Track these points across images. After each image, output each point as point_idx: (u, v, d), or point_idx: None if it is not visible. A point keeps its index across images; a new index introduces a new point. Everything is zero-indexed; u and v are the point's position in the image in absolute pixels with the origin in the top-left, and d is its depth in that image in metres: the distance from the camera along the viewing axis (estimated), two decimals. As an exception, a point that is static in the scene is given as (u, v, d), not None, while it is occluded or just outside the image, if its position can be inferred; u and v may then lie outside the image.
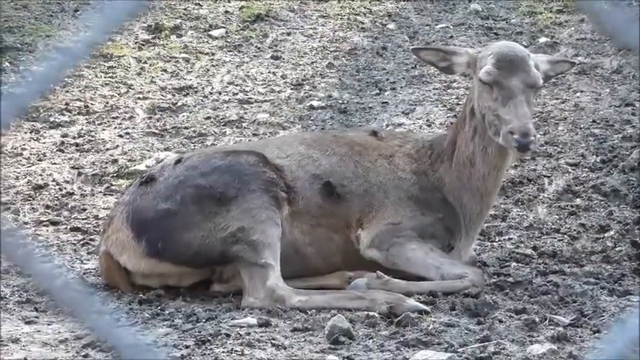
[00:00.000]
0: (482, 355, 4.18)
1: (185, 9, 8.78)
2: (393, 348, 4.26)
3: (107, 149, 6.40)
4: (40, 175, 6.04)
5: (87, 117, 6.86)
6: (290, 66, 7.91)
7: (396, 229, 4.97)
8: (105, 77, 7.40)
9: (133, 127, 6.75)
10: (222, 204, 4.82)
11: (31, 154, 6.27)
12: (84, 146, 6.43)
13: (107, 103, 7.11)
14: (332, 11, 9.18)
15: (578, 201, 5.88)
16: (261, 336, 4.37)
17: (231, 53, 8.11)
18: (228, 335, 4.35)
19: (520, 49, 4.97)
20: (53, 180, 5.98)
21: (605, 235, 5.49)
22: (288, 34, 8.56)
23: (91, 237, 5.32)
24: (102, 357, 4.19)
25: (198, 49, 8.14)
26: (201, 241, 4.78)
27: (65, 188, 5.92)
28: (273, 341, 4.33)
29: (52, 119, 6.58)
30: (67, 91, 7.11)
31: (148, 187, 4.98)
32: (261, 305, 4.64)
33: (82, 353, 4.22)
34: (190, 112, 6.96)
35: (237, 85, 7.46)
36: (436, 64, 5.03)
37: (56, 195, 5.81)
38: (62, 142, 6.43)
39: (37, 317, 4.63)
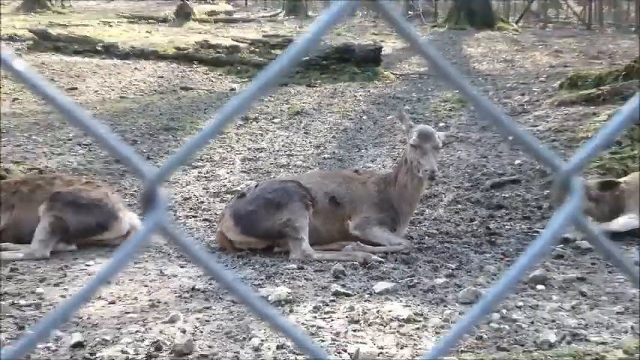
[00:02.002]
0: (409, 284, 4.16)
1: (259, 108, 8.71)
2: (366, 280, 4.25)
3: (221, 179, 6.37)
4: (187, 193, 6.04)
5: (211, 163, 6.83)
6: (313, 137, 7.87)
7: (367, 220, 4.96)
8: (219, 142, 7.35)
9: (234, 168, 6.73)
10: (278, 207, 4.78)
11: (182, 181, 6.28)
12: (209, 178, 6.41)
13: (221, 156, 7.05)
14: (334, 109, 9.14)
15: (459, 206, 5.84)
16: (298, 274, 4.35)
17: (283, 131, 8.06)
18: (281, 274, 4.34)
19: (430, 129, 4.94)
20: (194, 195, 5.98)
21: (472, 223, 5.48)
22: (312, 120, 8.51)
23: (213, 224, 5.27)
24: (210, 291, 4.08)
25: (266, 129, 8.08)
26: (269, 226, 4.76)
27: (200, 199, 5.91)
28: (305, 276, 4.32)
29: (192, 163, 6.59)
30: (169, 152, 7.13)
31: (241, 198, 4.96)
32: (298, 258, 4.63)
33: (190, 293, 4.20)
34: (262, 161, 6.94)
35: (286, 147, 7.43)
36: (404, 127, 5.03)
37: (195, 203, 5.81)
38: (198, 176, 6.43)
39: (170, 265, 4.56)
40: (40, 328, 0.41)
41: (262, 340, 3.32)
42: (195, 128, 8.10)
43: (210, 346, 3.31)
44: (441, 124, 7.73)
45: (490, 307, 0.48)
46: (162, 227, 0.39)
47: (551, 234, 0.45)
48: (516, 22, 22.15)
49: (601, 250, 0.52)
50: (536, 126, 7.83)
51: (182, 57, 13.05)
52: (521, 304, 3.82)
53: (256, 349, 3.26)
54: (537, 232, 5.23)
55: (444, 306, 3.84)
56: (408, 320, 3.60)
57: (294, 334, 0.43)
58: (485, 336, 3.43)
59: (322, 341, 3.35)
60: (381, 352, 3.25)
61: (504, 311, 3.68)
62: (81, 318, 3.58)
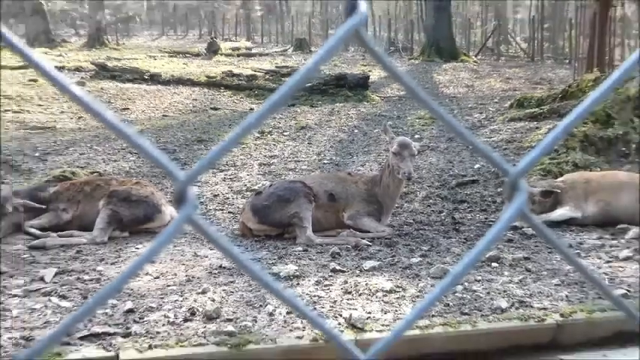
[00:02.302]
0: (391, 262, 4.16)
1: (273, 124, 8.70)
2: (357, 260, 4.24)
3: (242, 180, 6.34)
4: (216, 191, 6.02)
5: (234, 167, 6.80)
6: (315, 147, 7.85)
7: (358, 212, 4.93)
8: (241, 151, 7.36)
9: (252, 171, 6.71)
10: (288, 202, 4.74)
11: (211, 182, 6.26)
12: (233, 179, 6.38)
13: (242, 162, 7.02)
14: (332, 125, 9.13)
15: (430, 201, 5.83)
16: (303, 255, 4.34)
17: (291, 142, 8.03)
18: (290, 255, 4.33)
19: (408, 140, 4.89)
20: (221, 193, 5.96)
21: (441, 214, 5.46)
22: (314, 133, 8.48)
23: (236, 216, 5.25)
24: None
25: (278, 140, 8.05)
26: (280, 217, 4.73)
27: (225, 196, 5.89)
28: (308, 256, 4.32)
29: (220, 168, 6.59)
30: (225, 154, 7.11)
31: (258, 195, 4.94)
32: (304, 242, 4.60)
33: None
34: (275, 166, 6.91)
35: (293, 155, 7.40)
36: (387, 138, 5.00)
37: (222, 199, 5.78)
38: (224, 177, 6.40)
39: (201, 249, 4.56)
40: (99, 296, 0.41)
41: (275, 307, 3.32)
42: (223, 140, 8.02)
43: (233, 312, 3.30)
44: (416, 136, 7.73)
45: (455, 281, 0.47)
46: (191, 219, 0.39)
47: (503, 223, 0.44)
48: (475, 56, 22.16)
49: (542, 235, 0.51)
50: (491, 137, 7.81)
51: (211, 84, 13.08)
52: (479, 278, 3.83)
53: (270, 314, 3.26)
54: (492, 221, 5.21)
55: (419, 280, 3.84)
56: (390, 291, 3.60)
57: (295, 304, 0.42)
58: (451, 303, 3.43)
59: (322, 308, 3.35)
60: (369, 317, 3.25)
61: (466, 284, 3.69)
62: (132, 289, 3.58)
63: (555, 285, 3.74)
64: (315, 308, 3.38)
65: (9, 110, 10.03)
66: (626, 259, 4.27)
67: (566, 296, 3.56)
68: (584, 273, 0.45)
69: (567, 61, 19.98)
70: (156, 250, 0.42)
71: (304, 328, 3.07)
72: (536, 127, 7.89)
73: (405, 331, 0.45)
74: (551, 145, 0.46)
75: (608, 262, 4.24)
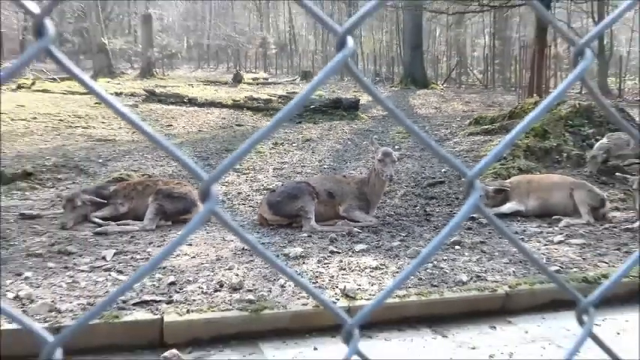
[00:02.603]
0: (377, 245, 4.14)
1: (284, 137, 8.68)
2: (350, 244, 4.21)
3: (260, 181, 6.30)
4: (239, 189, 5.98)
5: (254, 171, 6.75)
6: (317, 155, 7.79)
7: (351, 206, 4.87)
8: (259, 159, 7.34)
9: (268, 174, 6.66)
10: (296, 198, 4.70)
11: (236, 182, 6.22)
12: (253, 180, 6.33)
13: (260, 167, 6.97)
14: (330, 138, 9.08)
15: (407, 197, 5.78)
16: (307, 240, 4.32)
17: (299, 151, 7.98)
18: (297, 240, 4.31)
19: (390, 150, 4.82)
20: (243, 191, 5.93)
21: (415, 208, 5.42)
22: (317, 145, 8.43)
23: (255, 209, 5.21)
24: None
25: (288, 150, 8.01)
26: (290, 210, 4.68)
27: (247, 194, 5.84)
28: (312, 241, 4.29)
29: (242, 171, 6.54)
30: (247, 161, 7.05)
31: (272, 193, 4.90)
32: (308, 230, 4.56)
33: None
34: (285, 170, 6.86)
35: (300, 161, 7.36)
36: (373, 148, 4.99)
37: (244, 196, 5.73)
38: (246, 179, 6.34)
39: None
40: (145, 269, 0.40)
41: (286, 281, 3.31)
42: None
43: (253, 284, 3.30)
44: (396, 147, 7.71)
45: (425, 259, 0.47)
46: (213, 211, 0.38)
47: (462, 215, 0.43)
48: (442, 84, 22.11)
49: (493, 224, 0.50)
50: (455, 148, 7.79)
51: (236, 106, 13.02)
52: (445, 258, 3.81)
53: (282, 286, 3.25)
54: (455, 213, 5.20)
55: (398, 259, 3.82)
56: (375, 268, 3.60)
57: (297, 280, 0.41)
58: (423, 277, 3.42)
59: (323, 281, 3.34)
60: (359, 288, 3.24)
61: (435, 262, 3.68)
62: (174, 266, 3.57)
63: (505, 263, 3.73)
64: (316, 282, 3.36)
65: (79, 126, 10.09)
66: (559, 242, 4.26)
67: (513, 272, 3.54)
68: (526, 254, 0.44)
69: (513, 88, 19.94)
70: (185, 236, 0.41)
71: (308, 297, 3.06)
72: (490, 140, 7.91)
73: (385, 300, 0.44)
74: (499, 153, 0.45)
75: (545, 245, 4.23)
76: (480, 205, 0.45)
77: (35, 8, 0.33)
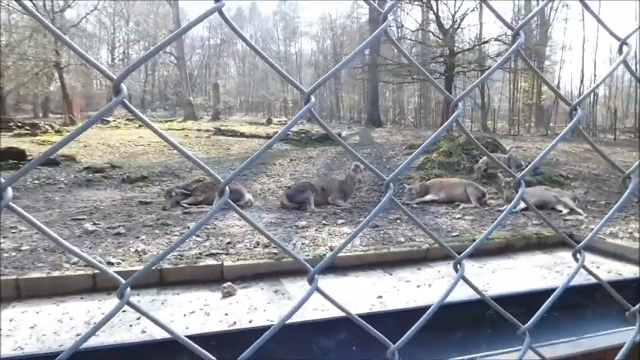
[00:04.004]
0: (350, 220, 4.06)
1: (296, 156, 8.45)
2: (334, 219, 4.12)
3: (281, 182, 6.16)
4: (268, 187, 5.87)
5: (277, 175, 6.58)
6: (316, 166, 7.50)
7: (336, 196, 4.79)
8: (281, 168, 7.11)
9: (286, 177, 6.52)
10: (302, 192, 4.62)
11: (265, 183, 6.06)
12: (276, 181, 6.18)
13: (282, 173, 6.79)
14: (322, 157, 8.80)
15: (369, 192, 5.63)
16: (309, 217, 4.21)
17: (305, 164, 7.72)
18: (303, 217, 4.20)
19: (359, 164, 4.67)
20: (271, 188, 5.81)
21: (374, 198, 5.33)
22: (315, 160, 8.17)
23: (278, 198, 5.09)
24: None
25: (298, 162, 7.76)
26: (299, 199, 4.60)
27: (273, 190, 5.73)
28: (312, 218, 4.19)
29: (271, 176, 6.44)
30: (274, 170, 6.83)
31: (288, 188, 4.82)
32: (310, 211, 4.46)
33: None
34: (297, 175, 6.71)
35: (305, 170, 7.18)
36: (351, 164, 4.87)
37: (272, 190, 5.61)
38: (273, 180, 6.20)
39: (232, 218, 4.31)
40: (187, 234, 0.37)
41: (295, 242, 3.28)
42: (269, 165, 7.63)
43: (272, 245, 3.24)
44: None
45: (359, 231, 0.44)
46: (227, 204, 0.37)
47: (381, 205, 0.42)
48: (389, 125, 22.14)
49: (402, 211, 0.49)
50: (397, 162, 7.73)
51: (268, 137, 12.99)
52: (391, 228, 3.76)
53: (294, 245, 3.21)
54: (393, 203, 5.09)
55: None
56: (349, 234, 3.54)
57: (274, 240, 0.40)
58: (377, 239, 3.37)
59: (318, 242, 3.28)
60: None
61: (384, 230, 3.62)
62: (230, 232, 3.50)
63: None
64: (315, 242, 3.32)
65: (174, 150, 9.89)
66: (458, 218, 4.25)
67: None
68: (423, 229, 0.43)
69: (433, 126, 20.01)
70: (211, 215, 0.39)
71: (308, 254, 3.03)
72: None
73: (338, 254, 0.42)
74: (406, 165, 0.44)
75: (450, 220, 4.19)
76: (394, 199, 0.44)
77: (113, 75, 0.32)
